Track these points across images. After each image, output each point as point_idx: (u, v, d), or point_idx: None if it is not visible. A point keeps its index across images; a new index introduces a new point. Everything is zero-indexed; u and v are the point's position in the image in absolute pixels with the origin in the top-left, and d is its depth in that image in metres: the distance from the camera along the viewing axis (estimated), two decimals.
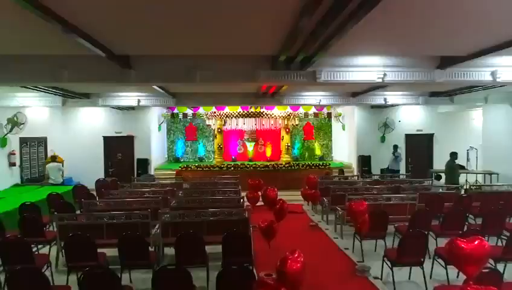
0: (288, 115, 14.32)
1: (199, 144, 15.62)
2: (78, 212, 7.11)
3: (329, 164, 13.84)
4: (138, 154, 13.38)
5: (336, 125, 15.51)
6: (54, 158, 10.72)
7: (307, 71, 5.68)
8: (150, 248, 5.35)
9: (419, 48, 5.35)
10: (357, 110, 13.46)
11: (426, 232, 4.96)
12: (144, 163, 13.22)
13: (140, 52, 5.47)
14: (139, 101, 9.78)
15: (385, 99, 10.11)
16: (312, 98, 10.24)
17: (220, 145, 14.40)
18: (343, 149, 14.93)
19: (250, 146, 15.28)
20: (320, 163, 13.81)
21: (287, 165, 13.41)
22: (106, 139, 13.32)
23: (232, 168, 13.10)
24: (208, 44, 4.99)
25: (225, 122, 14.47)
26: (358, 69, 5.75)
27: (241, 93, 9.98)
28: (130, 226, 5.46)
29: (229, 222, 5.61)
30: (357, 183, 9.97)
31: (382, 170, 12.65)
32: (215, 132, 14.51)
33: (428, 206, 6.72)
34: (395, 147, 12.27)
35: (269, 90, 9.15)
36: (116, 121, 13.30)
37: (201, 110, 14.38)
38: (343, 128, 14.80)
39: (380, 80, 5.74)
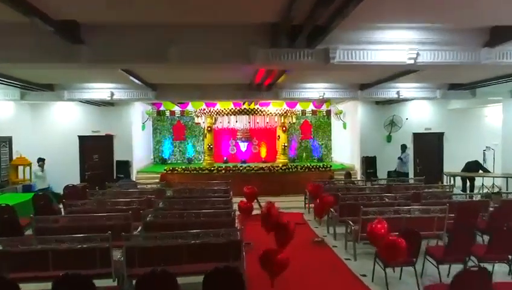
0: (285, 113, 13.05)
1: (188, 144, 14.42)
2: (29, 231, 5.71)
3: (331, 166, 12.57)
4: (118, 155, 11.99)
5: (335, 124, 14.31)
6: (39, 160, 9.75)
7: (316, 49, 4.36)
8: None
9: (464, 14, 4.05)
10: (361, 106, 12.22)
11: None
12: (125, 166, 11.83)
13: (92, 18, 4.05)
14: (112, 94, 8.28)
15: (398, 93, 8.82)
16: (314, 91, 8.91)
17: (210, 146, 13.08)
18: (344, 149, 13.76)
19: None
20: (321, 165, 12.53)
21: (284, 167, 12.13)
22: (82, 139, 11.88)
23: (224, 171, 11.80)
24: (187, 8, 3.67)
25: (216, 120, 13.14)
26: (384, 47, 4.41)
27: (232, 84, 8.59)
28: (85, 253, 4.16)
29: (215, 246, 4.32)
30: (364, 189, 8.74)
31: (389, 173, 11.46)
32: (205, 131, 13.21)
33: (463, 219, 5.49)
34: (403, 147, 11.09)
35: (264, 82, 7.83)
36: (94, 118, 11.88)
37: (190, 107, 13.13)
38: (344, 127, 13.57)
39: (412, 62, 4.41)
